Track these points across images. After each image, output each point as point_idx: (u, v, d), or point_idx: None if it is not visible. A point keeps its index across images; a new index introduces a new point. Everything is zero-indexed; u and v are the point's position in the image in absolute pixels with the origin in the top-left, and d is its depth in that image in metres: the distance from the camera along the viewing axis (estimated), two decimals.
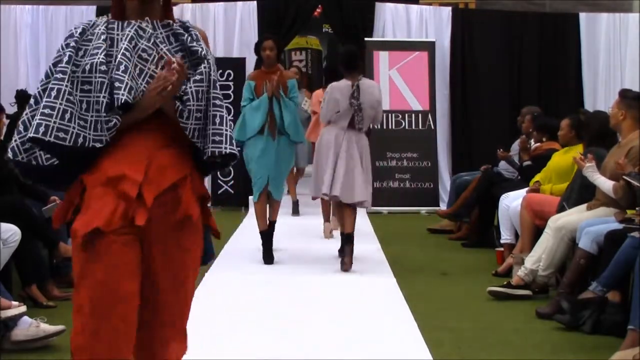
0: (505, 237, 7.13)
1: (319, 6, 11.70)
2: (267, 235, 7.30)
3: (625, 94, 5.84)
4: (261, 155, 7.14)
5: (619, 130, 5.88)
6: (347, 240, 6.87)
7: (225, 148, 2.65)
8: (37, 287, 5.66)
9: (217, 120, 2.66)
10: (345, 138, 6.87)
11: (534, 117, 8.20)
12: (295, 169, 9.93)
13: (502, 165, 8.38)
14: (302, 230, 9.02)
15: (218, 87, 2.73)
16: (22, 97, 7.85)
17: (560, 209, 6.16)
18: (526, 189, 7.13)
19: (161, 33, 2.74)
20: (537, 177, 7.06)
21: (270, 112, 7.09)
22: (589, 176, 5.79)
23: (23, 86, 9.83)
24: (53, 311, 5.45)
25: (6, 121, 6.70)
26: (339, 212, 7.20)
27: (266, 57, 7.25)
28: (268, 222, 7.32)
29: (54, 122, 2.53)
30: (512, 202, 7.01)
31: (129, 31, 2.67)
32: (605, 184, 5.70)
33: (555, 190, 6.69)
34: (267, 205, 7.33)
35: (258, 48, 7.37)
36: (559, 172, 6.82)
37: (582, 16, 11.39)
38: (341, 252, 7.09)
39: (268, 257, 7.21)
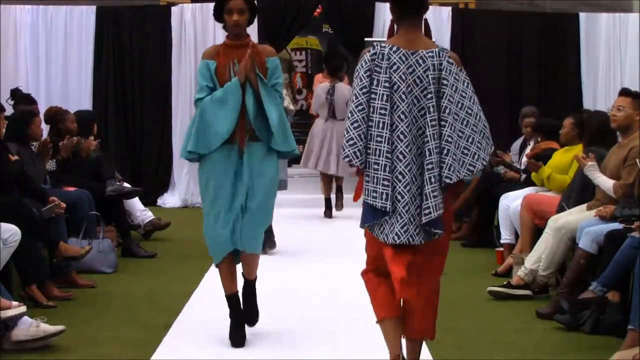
0: (505, 237, 7.12)
1: (319, 6, 11.69)
2: (237, 300, 4.89)
3: (634, 94, 5.80)
4: (223, 182, 4.67)
5: (629, 131, 5.80)
6: (338, 191, 9.73)
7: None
8: (37, 287, 5.66)
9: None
10: (327, 126, 9.74)
11: (535, 117, 8.21)
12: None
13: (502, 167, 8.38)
14: (295, 230, 9.02)
15: None
16: (17, 95, 7.84)
17: (560, 209, 6.16)
18: (526, 189, 7.14)
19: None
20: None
21: (241, 107, 4.67)
22: (590, 175, 5.78)
23: (23, 86, 9.82)
24: (53, 311, 5.45)
25: (5, 121, 6.70)
26: (324, 179, 9.84)
27: (233, 25, 4.70)
28: (243, 280, 4.92)
29: None
30: (512, 202, 7.01)
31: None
32: (606, 183, 5.70)
33: (555, 181, 6.68)
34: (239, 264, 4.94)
35: (220, 10, 4.77)
36: (558, 171, 6.82)
37: (582, 16, 11.38)
38: (328, 209, 9.73)
39: (236, 333, 4.81)
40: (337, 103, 9.66)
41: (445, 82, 3.64)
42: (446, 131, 3.61)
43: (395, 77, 3.64)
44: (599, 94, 11.27)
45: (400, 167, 3.60)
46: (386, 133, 3.59)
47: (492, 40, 11.36)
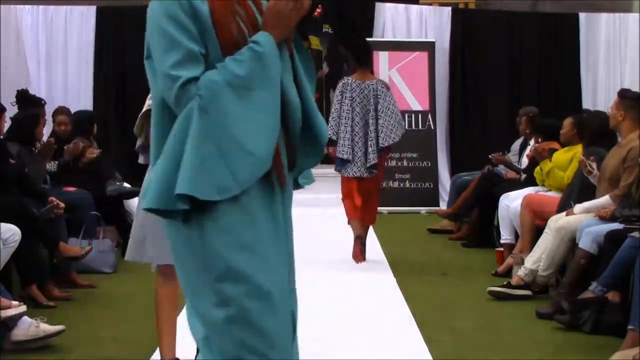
0: (505, 237, 7.13)
1: (319, 6, 11.70)
2: None
3: (624, 94, 5.84)
4: (269, 243, 2.58)
5: (618, 131, 5.89)
6: None
7: None
8: (37, 287, 5.66)
9: None
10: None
11: (530, 117, 8.21)
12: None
13: (503, 167, 8.38)
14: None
15: None
16: (23, 98, 7.82)
17: (561, 209, 6.17)
18: (526, 189, 7.14)
19: None
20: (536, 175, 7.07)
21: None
22: (584, 209, 5.78)
23: (23, 86, 9.81)
24: (53, 311, 5.46)
25: (8, 121, 6.69)
26: None
27: None
28: None
29: None
30: (512, 202, 7.02)
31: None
32: (598, 202, 5.70)
33: (555, 177, 6.69)
34: None
35: None
36: (559, 168, 6.84)
37: (582, 16, 11.39)
38: None
39: None
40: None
41: (379, 96, 7.06)
42: (380, 122, 7.05)
43: (354, 94, 7.07)
44: (599, 94, 11.28)
45: (356, 138, 7.05)
46: (349, 122, 7.06)
47: (492, 40, 11.37)
